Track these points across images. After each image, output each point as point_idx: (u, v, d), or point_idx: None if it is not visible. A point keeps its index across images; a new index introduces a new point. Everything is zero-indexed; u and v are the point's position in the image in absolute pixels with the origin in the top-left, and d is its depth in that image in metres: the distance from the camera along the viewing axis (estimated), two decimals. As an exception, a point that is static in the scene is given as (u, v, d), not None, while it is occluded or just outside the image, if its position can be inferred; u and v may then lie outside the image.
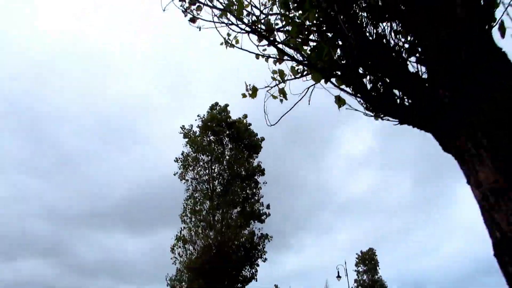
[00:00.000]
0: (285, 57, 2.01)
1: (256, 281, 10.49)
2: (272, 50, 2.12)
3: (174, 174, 10.93)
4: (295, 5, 1.89)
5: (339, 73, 1.76)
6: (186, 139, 11.33)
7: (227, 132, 11.25)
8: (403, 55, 1.66)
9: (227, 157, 11.01)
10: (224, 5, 2.05)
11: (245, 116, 11.32)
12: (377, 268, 33.67)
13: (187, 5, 2.25)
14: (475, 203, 1.40)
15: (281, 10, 1.95)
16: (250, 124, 11.30)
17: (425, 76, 1.57)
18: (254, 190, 10.93)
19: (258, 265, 10.47)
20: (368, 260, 33.87)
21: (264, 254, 10.44)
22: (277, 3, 1.97)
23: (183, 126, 11.40)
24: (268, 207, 10.81)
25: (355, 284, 34.13)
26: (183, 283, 21.14)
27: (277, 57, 2.16)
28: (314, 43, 1.87)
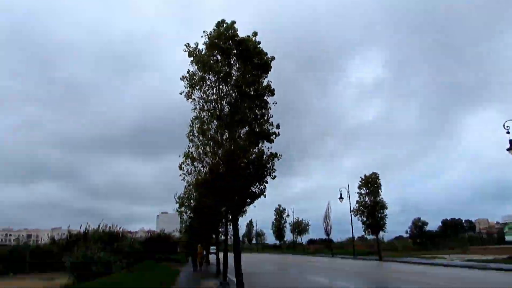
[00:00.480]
0: None
1: (265, 197, 10.74)
2: None
3: (180, 93, 10.62)
4: None
5: None
6: (192, 58, 10.81)
7: (235, 50, 10.68)
8: None
9: (235, 76, 10.58)
10: None
11: (255, 33, 10.64)
12: (379, 190, 34.76)
13: None
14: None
15: None
16: (259, 43, 10.66)
17: None
18: (264, 110, 10.68)
19: (267, 182, 10.63)
20: (371, 183, 34.86)
21: (273, 172, 10.55)
22: None
23: (188, 44, 10.82)
24: (278, 126, 10.66)
25: (357, 205, 35.57)
26: (191, 201, 22.11)
27: None
28: None
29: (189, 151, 10.12)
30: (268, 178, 10.65)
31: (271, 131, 10.62)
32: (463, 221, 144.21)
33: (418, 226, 73.11)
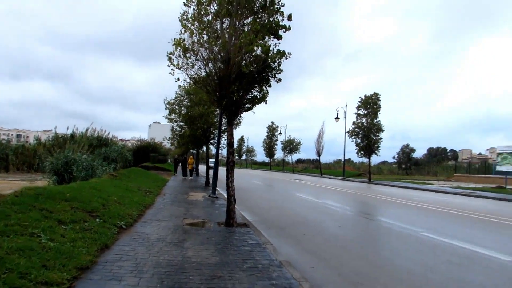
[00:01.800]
0: None
1: (266, 103, 9.23)
2: None
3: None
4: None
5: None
6: None
7: None
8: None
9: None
10: None
11: None
12: (378, 112, 33.56)
13: None
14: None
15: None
16: None
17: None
18: (274, -3, 8.65)
19: (270, 86, 9.03)
20: (370, 103, 33.44)
21: (279, 74, 8.89)
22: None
23: None
24: (289, 17, 8.72)
25: (353, 126, 34.61)
26: (183, 108, 20.61)
27: None
28: None
29: (180, 38, 8.22)
30: (272, 81, 9.04)
31: (280, 24, 8.71)
32: (447, 150, 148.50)
33: (406, 152, 74.25)
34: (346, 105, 40.91)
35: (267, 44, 8.53)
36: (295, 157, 68.58)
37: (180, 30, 8.35)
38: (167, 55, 8.33)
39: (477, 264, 5.99)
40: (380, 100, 33.42)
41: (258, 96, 9.09)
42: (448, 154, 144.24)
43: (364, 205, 15.22)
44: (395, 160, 76.57)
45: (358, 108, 34.16)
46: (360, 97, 33.99)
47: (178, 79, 8.52)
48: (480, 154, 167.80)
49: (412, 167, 70.74)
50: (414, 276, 5.29)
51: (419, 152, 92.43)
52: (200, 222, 8.72)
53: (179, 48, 8.23)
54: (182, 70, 8.64)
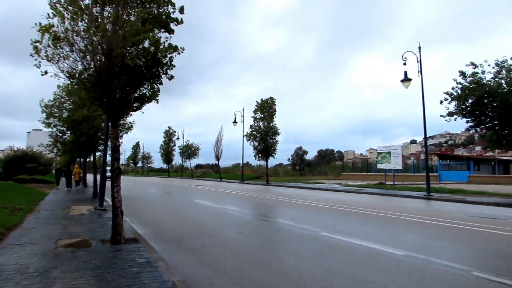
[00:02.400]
0: None
1: (157, 102, 8.31)
2: None
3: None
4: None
5: None
6: None
7: None
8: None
9: None
10: None
11: None
12: (274, 116, 34.55)
13: None
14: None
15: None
16: None
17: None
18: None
19: (161, 83, 8.14)
20: (266, 107, 34.29)
21: (170, 70, 8.07)
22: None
23: None
24: (181, 10, 7.97)
25: (250, 130, 35.05)
26: (64, 111, 18.16)
27: None
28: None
29: (49, 23, 6.82)
30: (164, 78, 8.18)
31: (172, 16, 7.92)
32: (335, 151, 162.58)
33: (299, 154, 78.68)
34: (243, 109, 41.49)
35: (156, 37, 7.65)
36: (194, 162, 67.30)
37: (48, 14, 6.94)
38: (31, 43, 6.84)
39: (376, 261, 6.02)
40: (275, 104, 34.58)
41: (148, 94, 8.13)
42: (335, 155, 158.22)
43: (263, 207, 15.16)
44: (290, 162, 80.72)
45: (255, 111, 34.81)
46: (256, 101, 34.72)
47: (46, 72, 7.05)
48: (361, 154, 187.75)
49: (305, 168, 75.39)
50: (320, 281, 5.01)
51: (311, 154, 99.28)
52: (80, 241, 7.38)
53: (47, 35, 6.82)
54: (53, 62, 7.22)
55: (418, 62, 20.61)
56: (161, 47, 7.71)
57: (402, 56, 20.62)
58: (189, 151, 57.26)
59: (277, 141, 34.64)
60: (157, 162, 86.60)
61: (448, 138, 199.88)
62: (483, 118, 16.25)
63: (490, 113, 15.89)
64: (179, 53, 8.01)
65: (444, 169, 42.89)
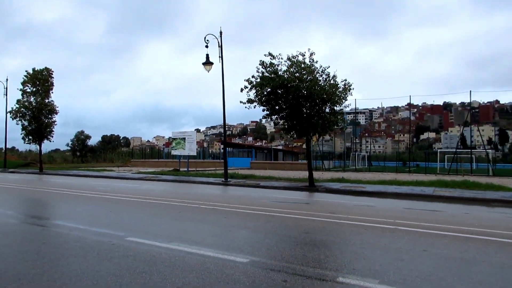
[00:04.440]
0: None
1: None
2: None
3: None
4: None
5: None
6: None
7: None
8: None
9: None
10: None
11: None
12: (51, 91, 28.44)
13: None
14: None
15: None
16: None
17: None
18: None
19: None
20: (41, 80, 27.84)
21: None
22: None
23: None
24: None
25: (17, 105, 27.86)
26: None
27: None
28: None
29: None
30: None
31: None
32: (121, 137, 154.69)
33: (81, 139, 69.91)
34: (7, 80, 32.44)
35: None
36: None
37: None
38: None
39: (219, 275, 4.37)
40: (53, 78, 28.41)
41: None
42: (121, 141, 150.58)
43: (36, 204, 11.28)
44: (69, 148, 70.71)
45: (24, 84, 27.63)
46: (26, 71, 27.58)
47: None
48: (148, 141, 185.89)
49: (88, 154, 67.60)
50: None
51: (94, 140, 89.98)
52: None
53: None
54: None
55: (219, 46, 20.32)
56: None
57: (205, 38, 19.87)
58: None
59: (54, 121, 28.54)
60: None
61: (226, 128, 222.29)
62: (277, 108, 17.17)
63: (282, 104, 16.89)
64: None
65: (229, 156, 46.08)
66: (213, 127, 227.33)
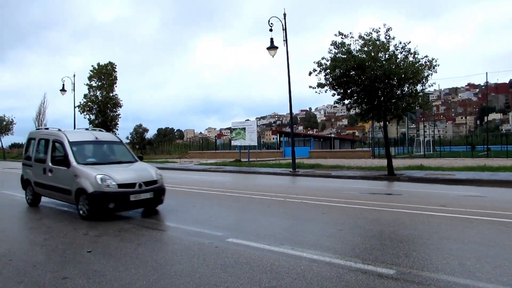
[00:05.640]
0: None
1: None
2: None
3: None
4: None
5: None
6: None
7: None
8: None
9: None
10: None
11: None
12: (114, 85, 29.00)
13: None
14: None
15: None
16: None
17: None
18: None
19: None
20: (105, 74, 28.41)
21: None
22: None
23: None
24: None
25: (84, 100, 28.71)
26: None
27: None
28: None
29: None
30: None
31: None
32: (175, 130, 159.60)
33: (139, 132, 72.41)
34: (74, 75, 33.71)
35: None
36: (8, 140, 53.86)
37: None
38: None
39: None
40: (116, 72, 28.97)
41: None
42: (176, 133, 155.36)
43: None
44: (129, 141, 73.62)
45: (90, 78, 28.43)
46: (92, 66, 28.34)
47: None
48: (201, 133, 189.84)
49: (147, 146, 69.93)
50: None
51: (151, 133, 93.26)
52: None
53: None
54: None
55: (283, 30, 19.17)
56: None
57: (269, 21, 18.79)
58: (0, 125, 44.94)
59: (118, 114, 29.24)
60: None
61: (276, 118, 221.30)
62: (350, 91, 15.77)
63: (357, 87, 15.45)
64: None
65: (286, 146, 45.02)
66: (263, 118, 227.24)
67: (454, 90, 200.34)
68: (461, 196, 9.89)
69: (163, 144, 75.23)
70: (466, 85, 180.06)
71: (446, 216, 7.03)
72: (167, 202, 8.38)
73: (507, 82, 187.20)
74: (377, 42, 14.82)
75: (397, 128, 57.10)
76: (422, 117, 56.00)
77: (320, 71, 15.77)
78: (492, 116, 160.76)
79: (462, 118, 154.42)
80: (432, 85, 14.88)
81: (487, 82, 40.56)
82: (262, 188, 12.24)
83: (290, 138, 54.10)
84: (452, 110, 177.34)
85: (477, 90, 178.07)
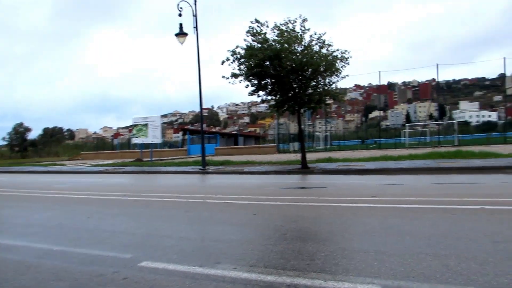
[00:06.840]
0: None
1: None
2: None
3: None
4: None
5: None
6: None
7: None
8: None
9: None
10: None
11: None
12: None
13: None
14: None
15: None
16: None
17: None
18: None
19: None
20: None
21: None
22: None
23: None
24: None
25: None
26: None
27: None
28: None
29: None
30: None
31: None
32: (64, 130, 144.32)
33: (20, 132, 63.08)
34: None
35: None
36: None
37: None
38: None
39: None
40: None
41: None
42: (65, 133, 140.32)
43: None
44: (7, 142, 63.55)
45: None
46: None
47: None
48: (95, 133, 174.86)
49: (29, 148, 61.14)
50: None
51: (35, 133, 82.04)
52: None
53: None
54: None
55: (193, 16, 17.55)
56: None
57: (178, 6, 17.00)
58: None
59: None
60: None
61: (178, 116, 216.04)
62: (264, 82, 14.98)
63: (271, 78, 14.72)
64: None
65: (192, 143, 43.25)
66: (164, 116, 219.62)
67: (344, 90, 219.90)
68: (383, 185, 9.68)
69: (49, 145, 66.73)
70: (353, 86, 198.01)
71: (388, 207, 6.44)
72: (46, 215, 6.28)
73: (386, 84, 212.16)
74: (293, 33, 14.27)
75: (296, 125, 59.32)
76: (317, 114, 59.21)
77: (233, 60, 14.66)
78: (375, 113, 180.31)
79: (350, 115, 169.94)
80: (345, 77, 14.85)
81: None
82: (175, 189, 10.63)
83: (194, 136, 52.43)
84: (342, 108, 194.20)
85: (362, 90, 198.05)
